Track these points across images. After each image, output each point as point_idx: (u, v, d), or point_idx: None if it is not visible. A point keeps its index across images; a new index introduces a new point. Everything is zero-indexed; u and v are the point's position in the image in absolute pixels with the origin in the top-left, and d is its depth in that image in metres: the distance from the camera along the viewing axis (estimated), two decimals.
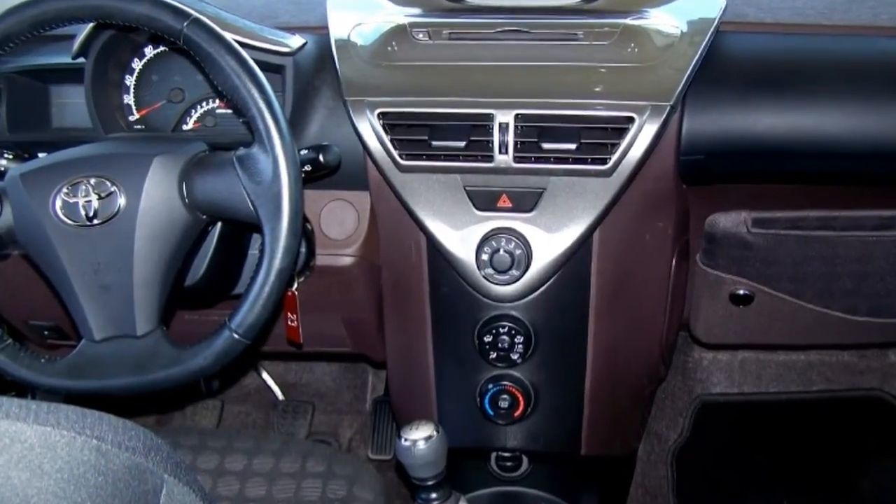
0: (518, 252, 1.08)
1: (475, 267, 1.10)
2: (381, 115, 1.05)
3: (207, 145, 1.03)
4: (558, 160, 1.04)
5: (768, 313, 1.27)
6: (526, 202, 1.07)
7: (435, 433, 0.99)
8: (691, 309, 1.32)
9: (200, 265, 1.07)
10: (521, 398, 1.19)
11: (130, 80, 1.19)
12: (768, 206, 1.18)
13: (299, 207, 0.92)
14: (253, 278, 0.94)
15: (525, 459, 1.41)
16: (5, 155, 1.12)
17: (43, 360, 1.01)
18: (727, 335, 1.33)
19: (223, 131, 1.20)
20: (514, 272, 1.09)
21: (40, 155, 1.09)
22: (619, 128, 1.02)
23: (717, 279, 1.24)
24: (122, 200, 0.96)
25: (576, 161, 1.04)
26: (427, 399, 1.26)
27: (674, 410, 1.76)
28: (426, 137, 1.05)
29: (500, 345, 1.15)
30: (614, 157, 1.02)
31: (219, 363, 0.97)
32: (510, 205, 1.08)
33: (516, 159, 1.04)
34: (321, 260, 1.19)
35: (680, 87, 1.02)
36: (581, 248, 1.09)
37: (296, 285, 1.18)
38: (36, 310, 1.31)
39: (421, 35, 1.13)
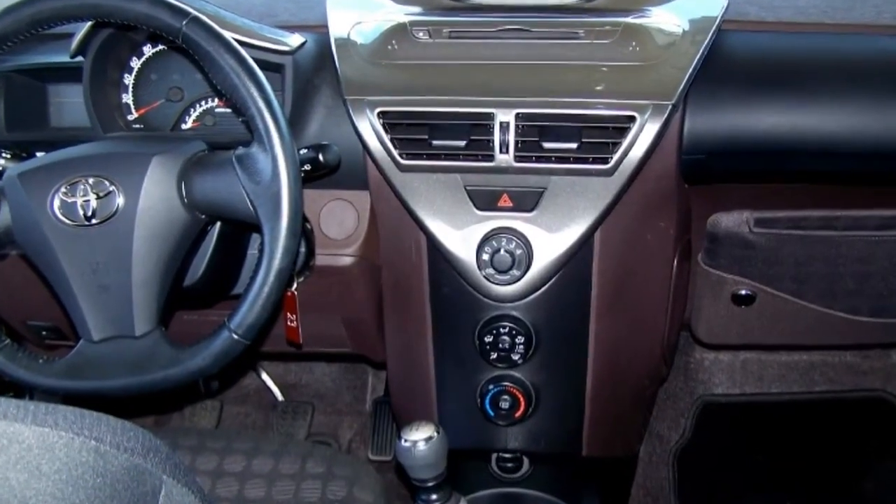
0: (519, 252, 1.07)
1: (476, 267, 1.09)
2: (381, 115, 1.05)
3: (206, 144, 1.02)
4: (559, 159, 1.03)
5: (770, 313, 1.26)
6: (527, 202, 1.07)
7: (435, 434, 0.99)
8: (693, 309, 1.32)
9: (199, 265, 1.07)
10: (521, 399, 1.19)
11: (129, 79, 1.19)
12: (770, 205, 1.18)
13: (299, 207, 0.92)
14: (252, 278, 0.93)
15: (526, 460, 1.41)
16: (3, 154, 1.12)
17: (41, 361, 1.01)
18: (729, 335, 1.33)
19: (222, 130, 1.19)
20: (515, 272, 1.08)
21: (38, 154, 1.09)
22: (620, 127, 1.01)
23: (719, 279, 1.24)
24: (120, 200, 0.95)
25: (577, 160, 1.03)
26: (427, 400, 1.25)
27: (675, 411, 1.76)
28: (426, 137, 1.05)
29: (500, 345, 1.15)
30: (616, 157, 1.02)
31: (218, 364, 0.97)
32: (511, 204, 1.07)
33: (517, 159, 1.04)
34: (321, 260, 1.18)
35: (682, 86, 1.02)
36: (582, 247, 1.09)
37: (295, 285, 1.18)
38: (34, 310, 1.31)
39: (421, 34, 1.12)
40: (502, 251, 1.07)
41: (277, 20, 1.25)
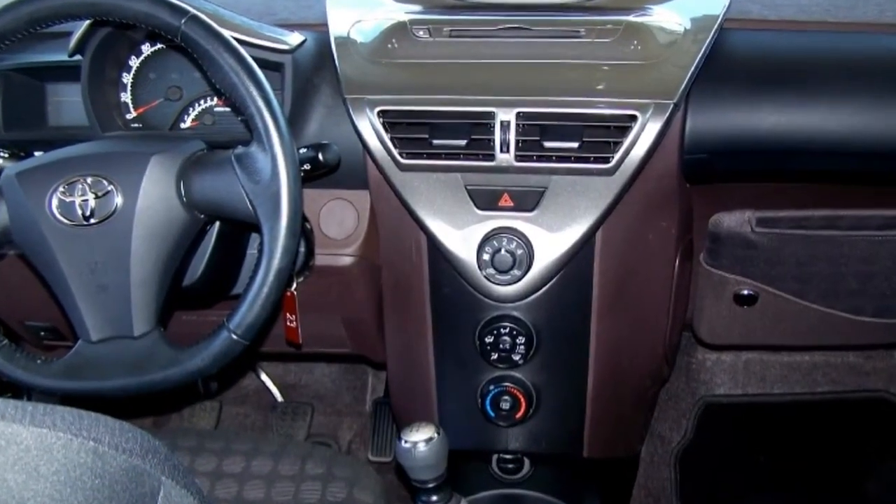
0: (520, 252, 1.07)
1: (476, 267, 1.09)
2: (381, 114, 1.04)
3: (205, 144, 1.02)
4: (560, 159, 1.03)
5: (773, 314, 1.26)
6: (527, 201, 1.07)
7: (435, 435, 0.99)
8: (695, 309, 1.32)
9: (198, 265, 1.07)
10: (522, 399, 1.18)
11: (127, 78, 1.18)
12: (773, 205, 1.17)
13: (298, 207, 0.92)
14: (251, 278, 0.93)
15: (527, 461, 1.40)
16: (1, 153, 1.12)
17: (39, 361, 1.00)
18: (731, 336, 1.32)
19: (221, 129, 1.19)
20: (516, 272, 1.08)
21: (36, 153, 1.08)
22: (621, 126, 1.01)
23: (721, 279, 1.24)
24: (119, 199, 0.95)
25: (578, 160, 1.03)
26: (427, 400, 1.25)
27: (677, 412, 1.75)
28: (427, 136, 1.04)
29: (501, 345, 1.14)
30: (617, 156, 1.02)
31: (217, 364, 0.96)
32: (512, 204, 1.07)
33: (518, 158, 1.03)
34: (320, 260, 1.18)
35: (683, 85, 1.01)
36: (583, 247, 1.08)
37: (295, 285, 1.17)
38: (32, 310, 1.31)
39: (421, 32, 1.12)
40: (503, 251, 1.07)
41: (277, 19, 1.24)
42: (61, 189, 0.95)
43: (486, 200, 1.07)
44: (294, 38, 1.12)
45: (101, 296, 0.96)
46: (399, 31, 1.13)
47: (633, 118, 1.00)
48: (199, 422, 1.88)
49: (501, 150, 1.03)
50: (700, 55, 1.04)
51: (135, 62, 1.18)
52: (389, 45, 1.10)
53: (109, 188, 0.95)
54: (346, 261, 1.18)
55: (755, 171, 1.17)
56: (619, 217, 1.08)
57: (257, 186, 0.92)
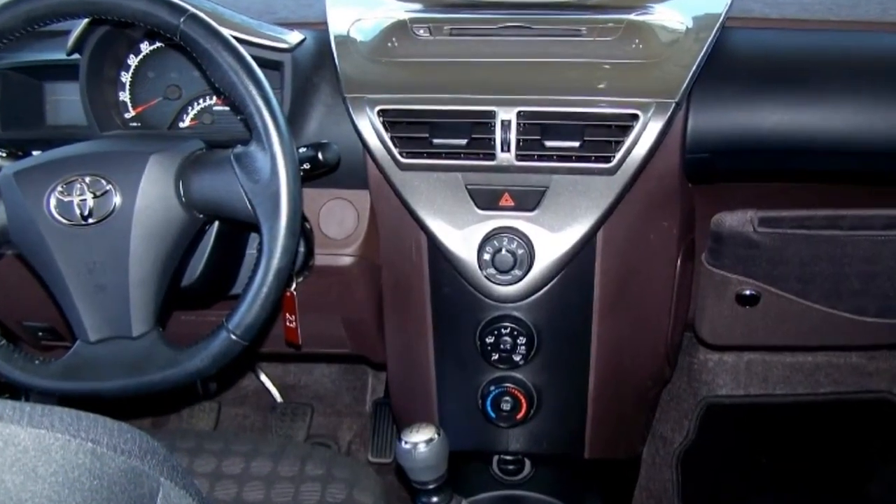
0: (520, 252, 1.07)
1: (477, 267, 1.08)
2: (381, 113, 1.04)
3: (204, 143, 1.02)
4: (561, 158, 1.03)
5: (775, 314, 1.26)
6: (528, 201, 1.06)
7: (436, 436, 0.99)
8: (697, 309, 1.31)
9: (197, 265, 1.06)
10: (523, 400, 1.18)
11: (126, 77, 1.18)
12: (775, 204, 1.17)
13: (298, 206, 0.91)
14: (251, 278, 0.93)
15: (527, 462, 1.40)
16: None
17: (37, 362, 1.00)
18: (733, 336, 1.32)
19: (220, 129, 1.19)
20: (517, 272, 1.08)
21: (34, 153, 1.08)
22: (623, 125, 1.01)
23: (723, 279, 1.23)
24: (117, 199, 0.95)
25: (579, 159, 1.03)
26: (428, 401, 1.25)
27: (679, 412, 1.75)
28: (427, 135, 1.04)
29: (502, 346, 1.14)
30: (618, 155, 1.01)
31: (216, 365, 0.96)
32: (512, 203, 1.07)
33: (518, 157, 1.03)
34: (320, 260, 1.18)
35: (685, 84, 1.01)
36: (584, 247, 1.08)
37: (294, 285, 1.17)
38: (30, 310, 1.30)
39: (422, 31, 1.11)
40: (504, 251, 1.06)
41: (276, 17, 1.24)
42: (59, 188, 0.95)
43: (486, 200, 1.07)
44: (293, 37, 1.12)
45: (99, 296, 0.96)
46: (399, 29, 1.12)
47: (635, 117, 1.00)
48: (198, 423, 1.88)
49: (502, 150, 1.03)
50: (702, 54, 1.03)
51: (133, 61, 1.18)
52: (389, 44, 1.10)
53: (108, 188, 0.94)
54: (346, 261, 1.17)
55: (757, 170, 1.17)
56: (621, 217, 1.07)
57: (256, 186, 0.92)
